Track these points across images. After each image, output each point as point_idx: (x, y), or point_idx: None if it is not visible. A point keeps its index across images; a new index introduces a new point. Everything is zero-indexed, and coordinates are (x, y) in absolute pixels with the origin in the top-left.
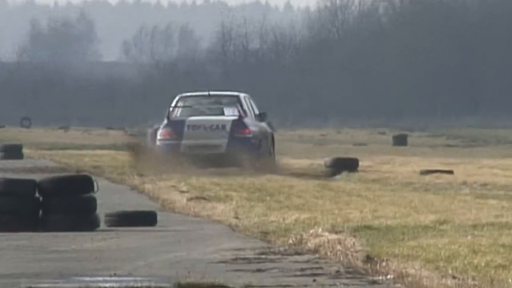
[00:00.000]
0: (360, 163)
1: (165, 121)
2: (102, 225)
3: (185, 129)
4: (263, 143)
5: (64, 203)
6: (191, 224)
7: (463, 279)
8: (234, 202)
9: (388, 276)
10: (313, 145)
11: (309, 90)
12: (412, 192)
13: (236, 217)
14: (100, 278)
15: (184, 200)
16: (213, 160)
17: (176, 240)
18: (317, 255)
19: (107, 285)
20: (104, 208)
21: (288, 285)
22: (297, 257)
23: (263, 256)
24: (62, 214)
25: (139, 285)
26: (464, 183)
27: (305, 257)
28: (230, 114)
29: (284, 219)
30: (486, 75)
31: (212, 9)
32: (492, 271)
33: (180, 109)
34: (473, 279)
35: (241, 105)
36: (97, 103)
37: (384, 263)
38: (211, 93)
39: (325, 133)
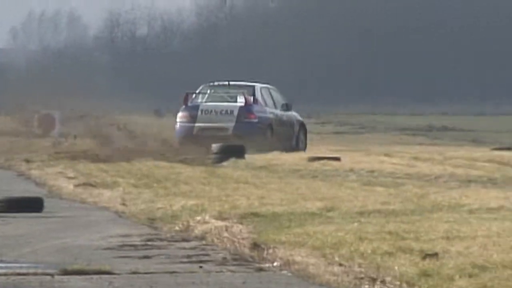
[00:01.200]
0: (247, 150)
1: (183, 106)
2: None
3: (199, 113)
4: (278, 129)
5: None
6: (77, 211)
7: (349, 266)
8: (121, 189)
9: (275, 263)
10: None
11: (197, 76)
12: (299, 179)
13: (123, 204)
14: None
15: (71, 186)
16: (220, 141)
17: (62, 226)
18: (203, 242)
19: None
20: None
21: (174, 272)
22: (184, 244)
23: (149, 243)
24: None
25: (25, 271)
26: (351, 170)
27: (192, 243)
28: (241, 101)
29: (171, 205)
30: (376, 62)
31: None
32: (379, 258)
33: (199, 96)
34: (360, 266)
35: (254, 94)
36: None
37: (270, 250)
38: (231, 83)
39: None
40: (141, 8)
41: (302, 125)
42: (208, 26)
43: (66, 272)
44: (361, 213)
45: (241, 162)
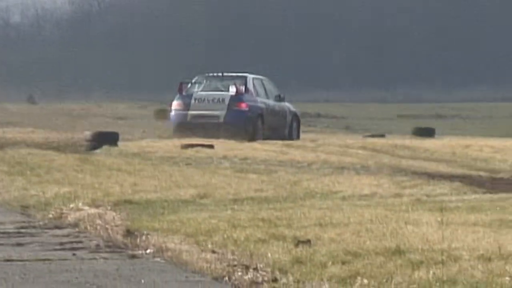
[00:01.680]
0: (121, 137)
1: (178, 95)
2: None
3: (192, 101)
4: (269, 119)
5: None
6: None
7: (222, 253)
8: None
9: (148, 250)
10: (74, 118)
11: (71, 63)
12: (172, 166)
13: None
14: None
15: None
16: (212, 128)
17: None
18: (77, 229)
19: None
20: None
21: (47, 259)
22: (57, 231)
23: (23, 230)
24: None
25: None
26: (225, 157)
27: (65, 231)
28: (232, 91)
29: (44, 193)
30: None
31: None
32: (252, 245)
33: (195, 85)
34: (233, 253)
35: (245, 84)
36: None
37: (144, 237)
38: (225, 74)
39: (86, 106)
40: None
41: (295, 116)
42: (82, 13)
43: None
44: (234, 200)
45: (114, 149)
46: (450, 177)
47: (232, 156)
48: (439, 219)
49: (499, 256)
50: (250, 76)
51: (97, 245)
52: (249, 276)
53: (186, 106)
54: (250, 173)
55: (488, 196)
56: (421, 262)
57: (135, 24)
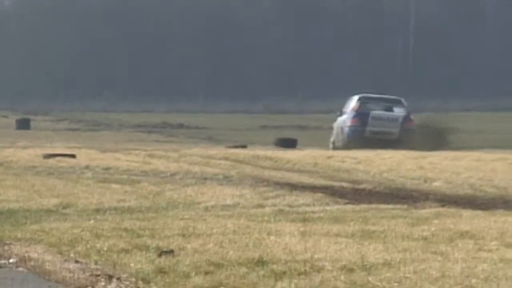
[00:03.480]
0: None
1: (354, 113)
2: None
3: (370, 119)
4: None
5: None
6: None
7: (85, 263)
8: None
9: (11, 260)
10: None
11: None
12: (35, 176)
13: None
14: None
15: None
16: (388, 142)
17: None
18: None
19: None
20: None
21: None
22: None
23: None
24: None
25: None
26: (87, 167)
27: None
28: (399, 111)
29: None
30: (114, 57)
31: None
32: (115, 255)
33: (362, 105)
34: (96, 263)
35: (405, 106)
36: None
37: (6, 247)
38: (382, 96)
39: None
40: None
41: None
42: None
43: None
44: (97, 210)
45: None
46: (313, 188)
47: (94, 166)
48: (301, 229)
49: (362, 267)
50: (402, 100)
51: None
52: (113, 286)
53: (364, 123)
54: (113, 183)
55: (350, 207)
56: (284, 273)
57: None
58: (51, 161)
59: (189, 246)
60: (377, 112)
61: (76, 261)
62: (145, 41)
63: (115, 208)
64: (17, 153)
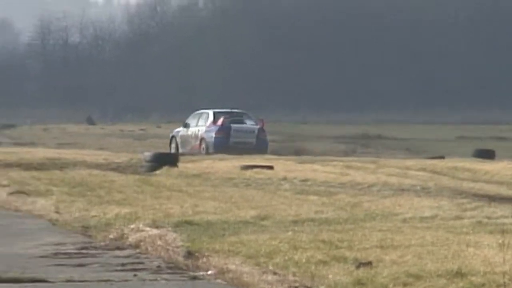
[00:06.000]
0: (181, 158)
1: (218, 126)
2: None
3: (232, 131)
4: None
5: None
6: (11, 219)
7: (283, 275)
8: (54, 197)
9: (209, 272)
10: (133, 139)
11: (129, 84)
12: (232, 188)
13: (57, 212)
14: None
15: (4, 195)
16: (247, 150)
17: None
18: (138, 250)
19: None
20: None
21: (109, 280)
22: (118, 252)
23: (84, 251)
24: None
25: None
26: (285, 178)
27: (126, 252)
28: (252, 124)
29: (104, 214)
30: (306, 71)
31: (30, 2)
32: (313, 267)
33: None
34: (294, 275)
35: (251, 117)
36: None
37: (205, 259)
38: (234, 110)
39: (145, 127)
40: (72, 16)
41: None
42: (140, 34)
43: (0, 280)
44: (294, 222)
45: (174, 170)
46: (511, 200)
47: (292, 178)
48: (500, 241)
49: None
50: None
51: (158, 266)
52: None
53: (227, 135)
54: (311, 195)
55: None
56: (483, 285)
57: (193, 45)
58: (249, 172)
59: (387, 257)
60: (236, 125)
61: (274, 273)
62: (347, 49)
63: (313, 220)
64: (215, 164)
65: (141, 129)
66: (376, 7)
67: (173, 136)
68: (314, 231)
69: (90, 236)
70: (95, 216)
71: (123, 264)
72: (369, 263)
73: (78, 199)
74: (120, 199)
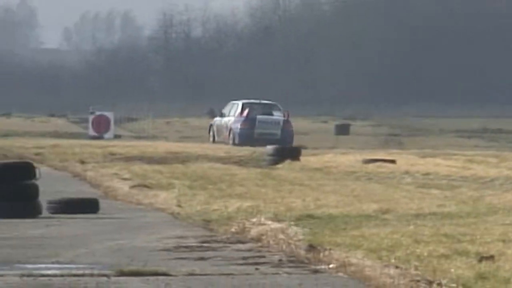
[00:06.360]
0: (303, 152)
1: (244, 117)
2: (45, 212)
3: (257, 123)
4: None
5: (6, 190)
6: (133, 212)
7: (405, 269)
8: (176, 190)
9: (331, 265)
10: None
11: (251, 77)
12: (354, 181)
13: (179, 205)
14: (43, 265)
15: (127, 188)
16: (272, 141)
17: (118, 227)
18: (259, 244)
19: (50, 272)
20: (46, 195)
21: (230, 274)
22: (239, 246)
23: (205, 244)
24: (4, 201)
25: (81, 272)
26: (407, 172)
27: (248, 245)
28: (278, 115)
29: (226, 207)
30: (429, 64)
31: None
32: (435, 261)
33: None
34: (416, 268)
35: (281, 109)
36: (39, 90)
37: (326, 252)
38: (263, 101)
39: None
40: (195, 10)
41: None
42: (262, 27)
43: (122, 273)
44: (416, 216)
45: (296, 164)
46: None
47: (414, 171)
48: None
49: None
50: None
51: (280, 260)
52: None
53: (252, 126)
54: (433, 189)
55: None
56: None
57: (315, 38)
58: (371, 166)
59: (509, 251)
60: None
61: (396, 267)
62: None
63: (435, 214)
64: (337, 158)
65: None
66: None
67: (211, 125)
68: (436, 225)
69: (211, 230)
70: (217, 209)
71: (244, 258)
72: (491, 257)
73: (199, 192)
74: (241, 193)
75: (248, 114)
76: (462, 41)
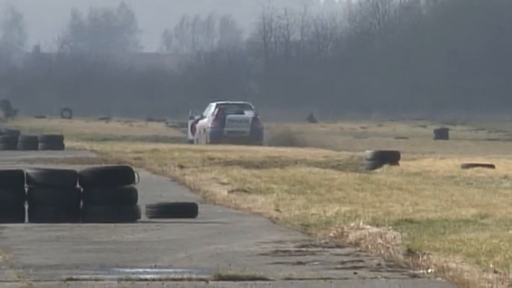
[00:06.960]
0: (401, 156)
1: (214, 117)
2: (143, 217)
3: (226, 121)
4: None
5: (105, 194)
6: (231, 216)
7: (504, 274)
8: (274, 195)
9: (429, 270)
10: (354, 137)
11: (350, 82)
12: (453, 186)
13: (277, 210)
14: (141, 270)
15: (225, 192)
16: (241, 139)
17: (216, 232)
18: (358, 248)
19: (148, 276)
20: (145, 199)
21: (329, 278)
22: (338, 250)
23: (303, 249)
24: (103, 205)
25: (179, 276)
26: (506, 177)
27: (346, 250)
28: (249, 114)
29: (324, 211)
30: None
31: (252, 0)
32: None
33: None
34: None
35: (253, 108)
36: (138, 94)
37: (425, 257)
38: (238, 102)
39: (365, 125)
40: (294, 14)
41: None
42: (362, 32)
43: (220, 278)
44: None
45: (394, 168)
46: None
47: None
48: None
49: None
50: (250, 104)
51: (378, 264)
52: None
53: (222, 124)
54: None
55: None
56: None
57: (414, 43)
58: (470, 171)
59: None
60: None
61: (495, 272)
62: None
63: None
64: (436, 163)
65: (362, 127)
66: None
67: (192, 125)
68: None
69: (309, 234)
70: (315, 214)
71: (343, 262)
72: None
73: (298, 197)
74: (340, 197)
75: (218, 113)
76: None
